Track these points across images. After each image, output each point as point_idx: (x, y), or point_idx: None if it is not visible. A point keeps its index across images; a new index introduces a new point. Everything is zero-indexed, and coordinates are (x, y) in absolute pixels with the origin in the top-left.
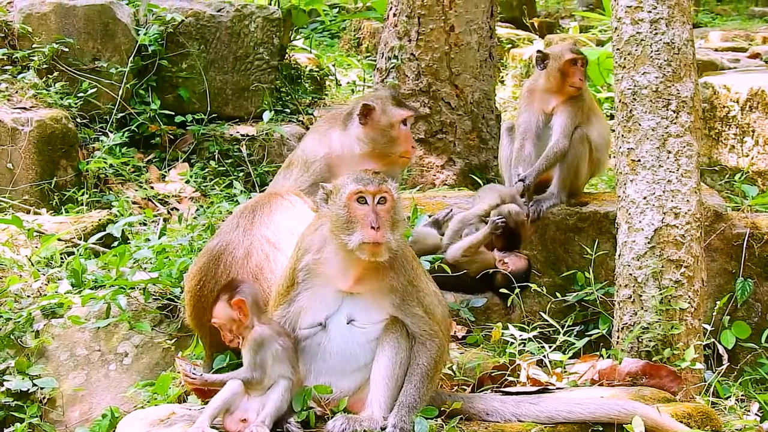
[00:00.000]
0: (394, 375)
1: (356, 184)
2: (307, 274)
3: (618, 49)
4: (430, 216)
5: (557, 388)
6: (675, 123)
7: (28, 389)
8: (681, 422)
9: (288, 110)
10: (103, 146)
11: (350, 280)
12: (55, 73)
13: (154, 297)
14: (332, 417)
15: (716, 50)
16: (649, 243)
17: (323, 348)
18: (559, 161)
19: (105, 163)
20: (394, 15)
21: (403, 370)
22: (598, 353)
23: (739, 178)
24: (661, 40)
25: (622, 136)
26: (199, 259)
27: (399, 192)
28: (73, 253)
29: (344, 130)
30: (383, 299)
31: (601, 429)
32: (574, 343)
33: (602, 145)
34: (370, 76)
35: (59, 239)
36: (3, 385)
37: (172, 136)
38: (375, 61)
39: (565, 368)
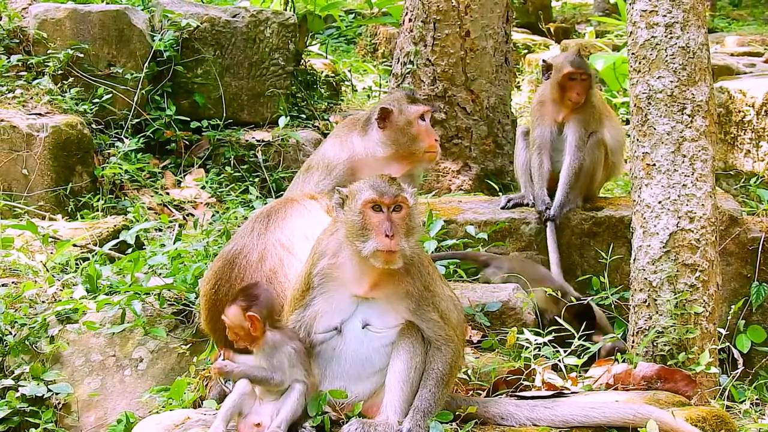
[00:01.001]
0: (409, 379)
1: (371, 192)
2: (322, 278)
3: (633, 53)
4: (445, 221)
5: (572, 393)
6: (690, 127)
7: (43, 395)
8: (696, 426)
9: (304, 116)
10: (119, 152)
11: (366, 286)
12: (71, 79)
13: (169, 302)
14: (347, 422)
15: (732, 55)
16: (664, 247)
17: (338, 352)
18: (578, 174)
19: (120, 168)
20: (410, 20)
21: (418, 375)
22: (613, 357)
23: (755, 182)
24: (676, 44)
25: (637, 140)
26: (214, 263)
27: (416, 197)
28: (88, 259)
29: (365, 135)
30: (399, 304)
31: None
32: (589, 348)
33: (617, 148)
34: (386, 82)
35: (74, 245)
36: (18, 391)
37: (187, 142)
38: (391, 66)
39: (580, 372)
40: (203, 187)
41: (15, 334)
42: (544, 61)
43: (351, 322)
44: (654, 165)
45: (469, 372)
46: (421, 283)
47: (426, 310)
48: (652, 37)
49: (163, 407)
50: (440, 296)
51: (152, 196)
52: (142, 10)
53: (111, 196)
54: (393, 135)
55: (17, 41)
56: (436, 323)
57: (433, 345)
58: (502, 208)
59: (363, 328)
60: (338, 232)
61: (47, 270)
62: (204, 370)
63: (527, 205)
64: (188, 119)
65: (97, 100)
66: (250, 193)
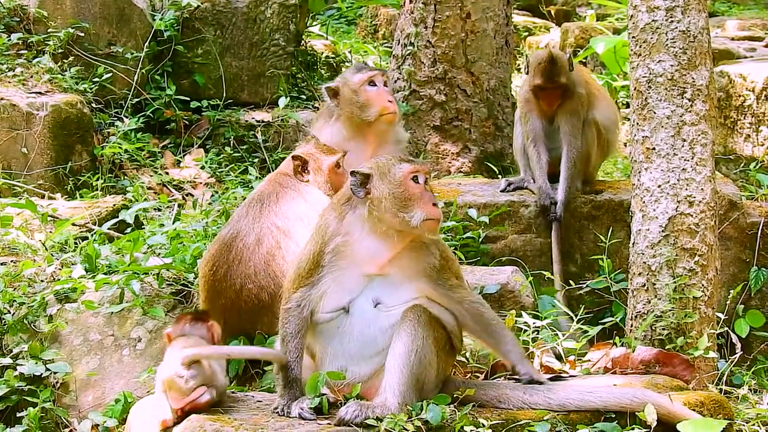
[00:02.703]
0: (409, 363)
1: (409, 164)
2: (334, 256)
3: (633, 37)
4: (444, 203)
5: (570, 376)
6: (690, 111)
7: (41, 374)
8: (693, 410)
9: (304, 96)
10: (118, 131)
11: (382, 261)
12: (71, 58)
13: (167, 282)
14: (345, 403)
15: (733, 39)
16: (663, 231)
17: (342, 332)
18: (578, 162)
19: (120, 148)
20: (411, 2)
21: (418, 359)
22: (611, 341)
23: (754, 167)
24: (676, 28)
25: (637, 124)
26: (212, 246)
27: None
28: (87, 238)
29: (329, 120)
30: (416, 276)
31: (613, 416)
32: (587, 331)
33: (610, 127)
34: (387, 63)
35: (73, 224)
36: (16, 370)
37: (187, 122)
38: (391, 47)
39: (578, 356)
40: (203, 167)
41: (13, 313)
42: (526, 56)
43: (359, 301)
44: (654, 149)
45: (468, 354)
46: (440, 252)
47: (447, 277)
48: (653, 20)
49: None
50: (453, 260)
51: (152, 176)
52: None
53: (110, 175)
54: (347, 109)
55: (17, 20)
56: (458, 285)
57: (464, 306)
58: (502, 191)
59: (375, 306)
60: (356, 210)
61: (46, 249)
62: None
63: (527, 188)
64: (188, 99)
65: (97, 80)
66: (250, 174)
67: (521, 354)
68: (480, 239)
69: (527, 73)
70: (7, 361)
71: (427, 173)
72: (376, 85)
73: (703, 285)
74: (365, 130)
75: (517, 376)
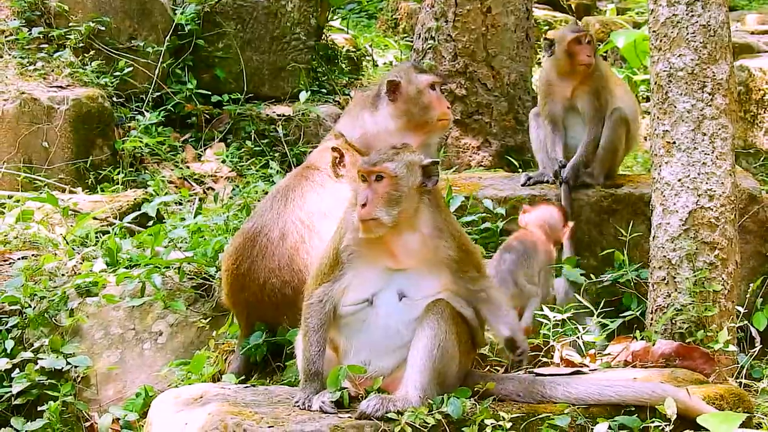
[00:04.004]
0: (432, 357)
1: (360, 163)
2: (351, 253)
3: (654, 31)
4: (466, 197)
5: (591, 370)
6: (710, 105)
7: (62, 368)
8: (713, 404)
9: (324, 90)
10: (139, 125)
11: (394, 257)
12: (92, 52)
13: (188, 276)
14: (366, 397)
15: (752, 33)
16: (683, 225)
17: (367, 324)
18: (595, 148)
19: (141, 142)
20: None
21: (441, 353)
22: (631, 335)
23: None
24: (697, 22)
25: (658, 118)
26: (235, 239)
27: (406, 168)
28: (108, 232)
29: (375, 110)
30: (438, 269)
31: (633, 410)
32: (608, 325)
33: (633, 119)
34: (407, 57)
35: (94, 218)
36: (37, 363)
37: (208, 116)
38: (412, 41)
39: (598, 349)
40: (223, 161)
41: (34, 307)
42: (545, 38)
43: (384, 294)
44: (674, 143)
45: (488, 348)
46: (456, 245)
47: (465, 269)
48: (674, 15)
49: (182, 381)
50: (473, 252)
51: (172, 170)
52: None
53: (131, 169)
54: (404, 106)
55: (39, 14)
56: (478, 276)
57: (480, 296)
58: (523, 185)
59: (400, 300)
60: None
61: (67, 243)
62: (223, 344)
63: (547, 182)
64: (209, 93)
65: (118, 74)
66: (271, 168)
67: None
68: (499, 230)
69: (551, 55)
70: (28, 355)
71: (367, 173)
72: (435, 90)
73: (723, 279)
74: (416, 129)
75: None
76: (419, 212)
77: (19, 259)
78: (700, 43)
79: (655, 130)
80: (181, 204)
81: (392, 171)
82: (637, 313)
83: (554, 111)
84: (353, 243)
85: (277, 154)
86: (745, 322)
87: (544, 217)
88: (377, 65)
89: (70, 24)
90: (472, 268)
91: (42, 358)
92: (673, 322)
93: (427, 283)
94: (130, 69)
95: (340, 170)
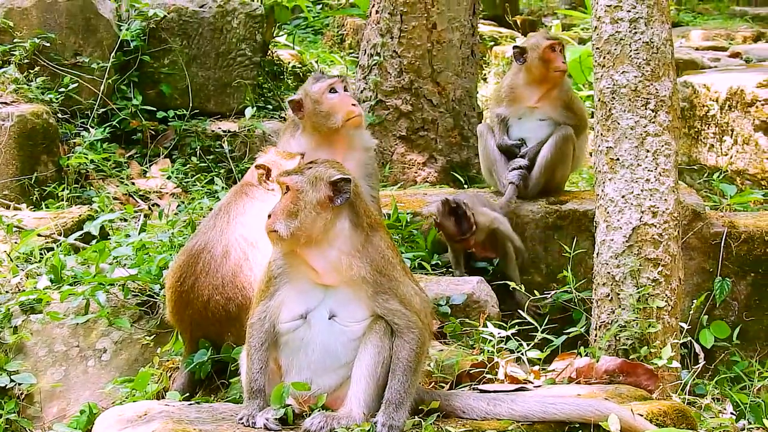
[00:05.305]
0: (375, 374)
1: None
2: (280, 267)
3: (597, 48)
4: (411, 213)
5: (535, 386)
6: (653, 122)
7: (6, 385)
8: (657, 420)
9: (270, 106)
10: (84, 141)
11: (315, 272)
12: (37, 68)
13: (133, 293)
14: (310, 414)
15: (697, 49)
16: (627, 242)
17: (305, 342)
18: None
19: (86, 158)
20: (377, 12)
21: (385, 371)
22: (575, 351)
23: (718, 177)
24: (640, 39)
25: (601, 134)
26: (179, 257)
27: (309, 182)
28: (52, 249)
29: (296, 132)
30: (360, 292)
31: (577, 427)
32: (552, 341)
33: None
34: (353, 73)
35: (39, 234)
36: None
37: (153, 132)
38: (358, 57)
39: (542, 366)
40: (169, 178)
41: None
42: (515, 46)
43: (318, 312)
44: (617, 159)
45: (433, 365)
46: (373, 267)
47: (384, 297)
48: (617, 32)
49: (126, 398)
50: (398, 281)
51: (118, 186)
52: None
53: (76, 185)
54: (311, 120)
55: None
56: (397, 310)
57: (396, 333)
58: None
59: (329, 318)
60: None
61: (11, 260)
62: (168, 361)
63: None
64: (154, 109)
65: (63, 90)
66: (216, 184)
67: (386, 404)
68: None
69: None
70: None
71: (280, 185)
72: (337, 92)
73: (666, 295)
74: (332, 138)
75: (481, 387)
76: (335, 229)
77: None
78: (643, 60)
79: (599, 146)
80: (126, 221)
81: (294, 184)
82: (581, 330)
83: (515, 114)
84: (279, 257)
85: (222, 171)
86: (689, 338)
87: None
88: None
89: (15, 40)
90: (390, 296)
91: None
92: (617, 338)
93: (355, 306)
94: (76, 85)
95: (269, 185)
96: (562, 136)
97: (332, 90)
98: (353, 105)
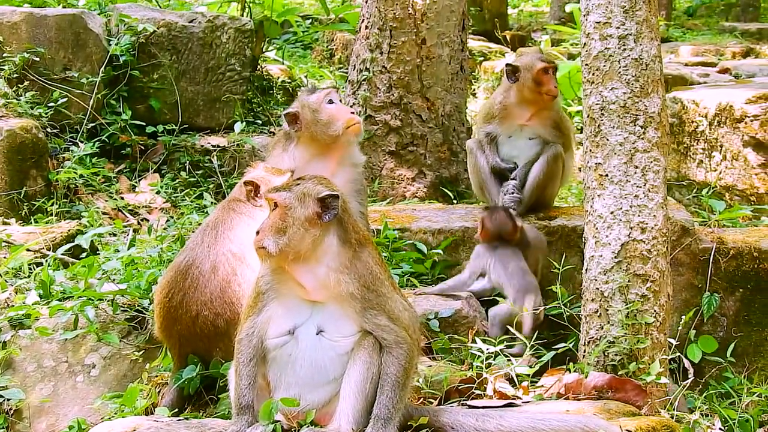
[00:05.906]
0: (364, 390)
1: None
2: (268, 283)
3: (587, 65)
4: (399, 229)
5: (524, 402)
6: (642, 138)
7: None
8: None
9: (260, 121)
10: (74, 156)
11: (303, 288)
12: (26, 83)
13: (122, 308)
14: (299, 430)
15: (686, 65)
16: (615, 257)
17: (293, 358)
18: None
19: (75, 173)
20: (366, 27)
21: (373, 387)
22: (564, 367)
23: (707, 192)
24: (629, 56)
25: (590, 150)
26: (167, 273)
27: (297, 198)
28: (41, 264)
29: (288, 145)
30: (347, 307)
31: None
32: (541, 357)
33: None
34: (343, 88)
35: (28, 249)
36: None
37: (143, 147)
38: (347, 73)
39: (531, 382)
40: (158, 192)
41: None
42: (508, 64)
43: (305, 327)
44: (606, 175)
45: (421, 380)
46: (361, 284)
47: (372, 313)
48: (606, 48)
49: (115, 414)
50: (386, 296)
51: (107, 201)
52: (99, 14)
53: (65, 200)
54: (309, 130)
55: None
56: (385, 325)
57: (385, 348)
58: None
59: (317, 334)
60: None
61: (0, 275)
62: (157, 376)
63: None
64: (144, 124)
65: (52, 104)
66: (205, 199)
67: (374, 419)
68: (431, 266)
69: (514, 81)
70: None
71: (268, 202)
72: (333, 102)
73: (655, 311)
74: (328, 148)
75: (470, 403)
76: (323, 245)
77: None
78: (632, 76)
79: (588, 162)
80: (115, 235)
81: (282, 201)
82: (570, 346)
83: (505, 132)
84: (267, 273)
85: (211, 185)
86: (678, 354)
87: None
88: None
89: (4, 54)
90: (378, 312)
91: None
92: (606, 354)
93: (343, 322)
94: (65, 100)
95: (257, 201)
96: (553, 155)
97: (329, 101)
98: (352, 113)
